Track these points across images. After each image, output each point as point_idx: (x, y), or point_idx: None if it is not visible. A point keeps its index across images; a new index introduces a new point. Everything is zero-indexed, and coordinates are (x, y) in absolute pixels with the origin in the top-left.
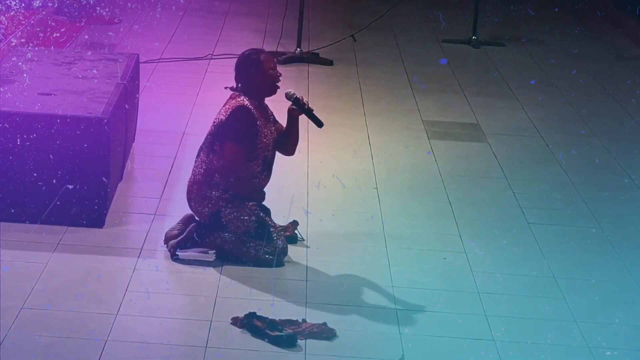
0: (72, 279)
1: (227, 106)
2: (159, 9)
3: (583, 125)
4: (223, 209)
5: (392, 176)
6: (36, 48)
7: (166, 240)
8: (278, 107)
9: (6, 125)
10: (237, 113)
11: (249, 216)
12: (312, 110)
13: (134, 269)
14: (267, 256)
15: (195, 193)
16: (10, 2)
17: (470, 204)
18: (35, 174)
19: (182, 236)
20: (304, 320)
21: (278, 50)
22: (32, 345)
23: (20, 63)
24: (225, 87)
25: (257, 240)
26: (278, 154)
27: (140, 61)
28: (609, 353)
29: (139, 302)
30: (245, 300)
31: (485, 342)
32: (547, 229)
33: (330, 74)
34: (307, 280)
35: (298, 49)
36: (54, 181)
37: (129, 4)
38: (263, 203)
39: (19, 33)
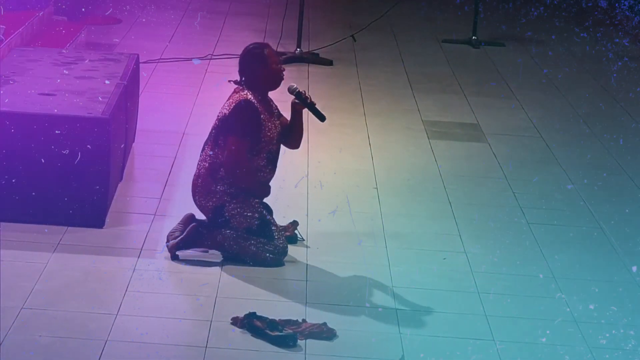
0: (72, 279)
1: (230, 100)
2: (159, 9)
3: (583, 125)
4: (227, 204)
5: (392, 176)
6: (36, 48)
7: (168, 242)
8: (282, 100)
9: (6, 125)
10: (241, 107)
11: (252, 213)
12: (315, 104)
13: (134, 269)
14: (267, 255)
15: (200, 187)
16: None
17: (470, 204)
18: (35, 174)
19: (182, 236)
20: (304, 320)
21: (278, 50)
22: (32, 345)
23: (20, 63)
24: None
25: (258, 238)
26: (283, 148)
27: (140, 61)
28: (609, 353)
29: (139, 302)
30: (245, 300)
31: (485, 342)
32: (547, 229)
33: (330, 74)
34: (307, 280)
35: (298, 49)
36: (54, 181)
37: (129, 4)
38: (265, 201)
39: (19, 33)
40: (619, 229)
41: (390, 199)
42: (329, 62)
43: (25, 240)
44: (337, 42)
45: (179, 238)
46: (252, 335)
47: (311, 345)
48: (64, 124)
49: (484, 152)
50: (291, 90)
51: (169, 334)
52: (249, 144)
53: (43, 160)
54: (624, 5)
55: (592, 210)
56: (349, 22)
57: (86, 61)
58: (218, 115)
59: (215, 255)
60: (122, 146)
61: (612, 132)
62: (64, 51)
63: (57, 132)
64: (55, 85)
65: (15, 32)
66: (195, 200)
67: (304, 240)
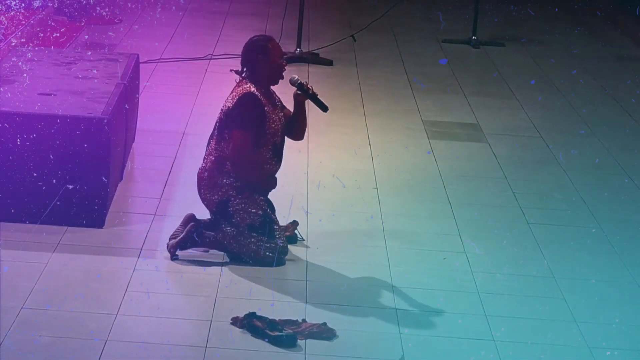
0: (72, 279)
1: (234, 93)
2: (159, 9)
3: (583, 125)
4: (232, 199)
5: (392, 176)
6: (36, 48)
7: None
8: (284, 92)
9: (6, 125)
10: (245, 100)
11: (256, 209)
12: (317, 95)
13: (134, 269)
14: (267, 253)
15: (206, 180)
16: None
17: (470, 204)
18: (35, 174)
19: (181, 236)
20: (304, 320)
21: None
22: (32, 345)
23: (20, 63)
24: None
25: (259, 236)
26: (288, 140)
27: (140, 61)
28: (609, 353)
29: (139, 302)
30: (245, 300)
31: (485, 342)
32: (547, 229)
33: (330, 74)
34: (307, 280)
35: (298, 49)
36: (54, 181)
37: (129, 4)
38: (269, 198)
39: (19, 33)
40: (619, 229)
41: (390, 199)
42: (329, 62)
43: (25, 240)
44: (337, 42)
45: (179, 238)
46: (252, 335)
47: (311, 345)
48: (64, 124)
49: (484, 152)
50: (293, 82)
51: (169, 334)
52: (253, 136)
53: (43, 160)
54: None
55: (592, 210)
56: (349, 22)
57: (86, 61)
58: (222, 109)
59: (215, 255)
60: (122, 146)
61: (612, 132)
62: (64, 51)
63: (57, 132)
64: (55, 85)
65: (15, 32)
66: (200, 194)
67: (304, 240)
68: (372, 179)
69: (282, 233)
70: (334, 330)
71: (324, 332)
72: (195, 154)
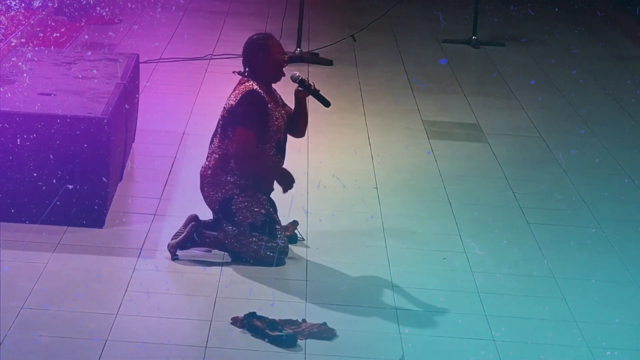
0: (72, 279)
1: (236, 91)
2: (159, 9)
3: (583, 125)
4: (236, 197)
5: (392, 176)
6: (36, 48)
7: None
8: (284, 90)
9: (6, 125)
10: (248, 97)
11: (259, 208)
12: (319, 90)
13: (134, 269)
14: (268, 253)
15: (209, 178)
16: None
17: (470, 204)
18: (35, 174)
19: (182, 236)
20: (304, 320)
21: None
22: (32, 345)
23: (20, 63)
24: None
25: (260, 235)
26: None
27: (140, 61)
28: (609, 353)
29: (139, 302)
30: (245, 300)
31: (485, 342)
32: (547, 229)
33: (330, 74)
34: (307, 280)
35: (298, 49)
36: (54, 181)
37: (129, 4)
38: (271, 198)
39: (19, 33)
40: (619, 229)
41: (390, 199)
42: (329, 62)
43: (25, 240)
44: (337, 42)
45: (179, 238)
46: (252, 335)
47: (311, 345)
48: (64, 124)
49: (484, 152)
50: (294, 78)
51: (169, 334)
52: (255, 133)
53: (43, 160)
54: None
55: (592, 210)
56: (349, 22)
57: (86, 61)
58: (225, 107)
59: (215, 255)
60: (122, 146)
61: (612, 132)
62: (64, 51)
63: (57, 132)
64: (55, 85)
65: (15, 32)
66: (203, 192)
67: (304, 240)
68: (372, 179)
69: (282, 233)
70: (334, 330)
71: (324, 332)
72: (195, 154)
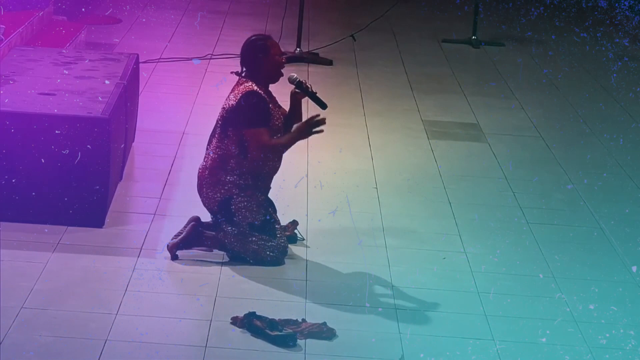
0: (72, 279)
1: (236, 92)
2: (159, 9)
3: (583, 125)
4: (235, 197)
5: (392, 176)
6: (36, 48)
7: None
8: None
9: (6, 125)
10: (250, 98)
11: (257, 208)
12: (316, 92)
13: (134, 269)
14: (268, 253)
15: (207, 178)
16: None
17: (470, 204)
18: (35, 174)
19: (181, 236)
20: (303, 320)
21: None
22: (32, 345)
23: (20, 63)
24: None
25: (260, 235)
26: None
27: (140, 61)
28: (609, 353)
29: (139, 302)
30: (245, 300)
31: (485, 342)
32: (547, 229)
33: (330, 74)
34: (307, 280)
35: (298, 49)
36: (54, 181)
37: (128, 4)
38: (269, 198)
39: (19, 33)
40: (619, 229)
41: (390, 199)
42: (329, 62)
43: (25, 240)
44: (337, 42)
45: (179, 238)
46: (252, 335)
47: (311, 345)
48: (64, 124)
49: (484, 152)
50: (292, 80)
51: (169, 334)
52: (268, 129)
53: (43, 160)
54: (624, 5)
55: (592, 210)
56: (349, 22)
57: (86, 61)
58: (224, 107)
59: (215, 255)
60: (122, 146)
61: (612, 132)
62: (64, 51)
63: (57, 132)
64: (55, 85)
65: (15, 32)
66: (201, 193)
67: (304, 239)
68: (372, 179)
69: (282, 232)
70: (334, 330)
71: (324, 332)
72: (195, 154)
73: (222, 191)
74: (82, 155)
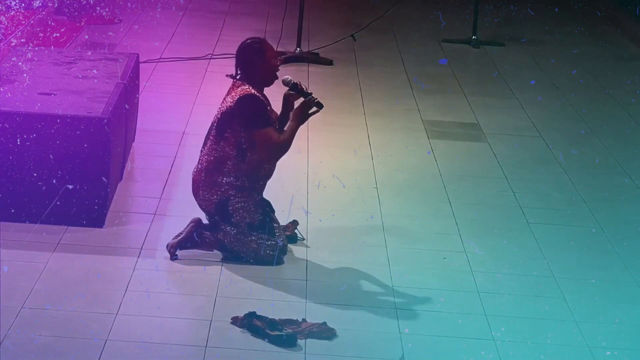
0: (72, 279)
1: (233, 94)
2: (159, 9)
3: (583, 125)
4: (232, 198)
5: (392, 176)
6: (36, 48)
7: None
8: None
9: (6, 125)
10: (250, 101)
11: (255, 208)
12: (311, 93)
13: (134, 269)
14: (267, 252)
15: (203, 181)
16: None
17: (470, 204)
18: (35, 174)
19: (181, 236)
20: (303, 320)
21: (278, 50)
22: (32, 345)
23: (20, 63)
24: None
25: (259, 234)
26: None
27: (140, 61)
28: (609, 353)
29: (139, 302)
30: (245, 300)
31: (485, 342)
32: (547, 229)
33: (330, 74)
34: (307, 280)
35: (298, 49)
36: (54, 181)
37: (129, 4)
38: (265, 198)
39: (19, 33)
40: (619, 229)
41: (390, 199)
42: (329, 62)
43: (25, 240)
44: (337, 42)
45: (179, 238)
46: (252, 335)
47: (311, 345)
48: (64, 124)
49: (484, 152)
50: (286, 83)
51: (169, 334)
52: (274, 128)
53: (43, 160)
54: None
55: (592, 210)
56: (349, 22)
57: (86, 61)
58: (220, 109)
59: (215, 255)
60: (122, 146)
61: (612, 132)
62: (64, 51)
63: (57, 132)
64: (55, 85)
65: (15, 32)
66: (197, 196)
67: (304, 239)
68: (372, 179)
69: (281, 232)
70: (334, 329)
71: (324, 332)
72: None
73: (219, 193)
74: (82, 155)
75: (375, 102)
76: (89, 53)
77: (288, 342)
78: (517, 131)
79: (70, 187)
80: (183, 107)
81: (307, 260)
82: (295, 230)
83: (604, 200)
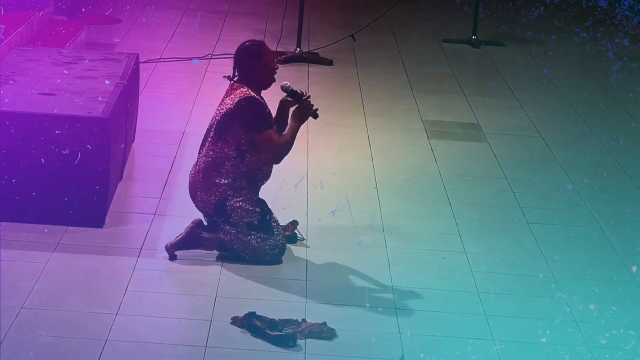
0: (72, 279)
1: (232, 96)
2: (159, 9)
3: (583, 125)
4: (230, 198)
5: (392, 176)
6: (36, 48)
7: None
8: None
9: (6, 125)
10: (250, 103)
11: (253, 207)
12: (309, 97)
13: (134, 269)
14: (267, 250)
15: (201, 182)
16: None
17: (470, 204)
18: (35, 174)
19: (180, 236)
20: (303, 320)
21: (278, 50)
22: (32, 345)
23: (20, 63)
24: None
25: (258, 233)
26: None
27: (140, 61)
28: (609, 353)
29: (139, 302)
30: (245, 300)
31: (485, 342)
32: (547, 229)
33: (330, 74)
34: (306, 280)
35: (298, 49)
36: (54, 181)
37: (128, 4)
38: (263, 199)
39: (19, 33)
40: (619, 229)
41: (390, 199)
42: (329, 62)
43: (25, 240)
44: (337, 42)
45: (178, 238)
46: (252, 335)
47: (311, 345)
48: (64, 124)
49: (484, 152)
50: (285, 88)
51: (169, 334)
52: (274, 130)
53: (43, 160)
54: (624, 5)
55: (592, 210)
56: (349, 22)
57: (86, 61)
58: (220, 111)
59: (215, 255)
60: (122, 146)
61: (612, 132)
62: (64, 51)
63: (57, 132)
64: (55, 85)
65: (15, 32)
66: (195, 197)
67: (304, 239)
68: (372, 179)
69: (281, 231)
70: (334, 330)
71: (324, 332)
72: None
73: (217, 193)
74: (82, 155)
75: (375, 102)
76: (89, 53)
77: (288, 342)
78: (517, 131)
79: (70, 187)
80: (183, 107)
81: (307, 260)
82: (295, 230)
83: (604, 200)
